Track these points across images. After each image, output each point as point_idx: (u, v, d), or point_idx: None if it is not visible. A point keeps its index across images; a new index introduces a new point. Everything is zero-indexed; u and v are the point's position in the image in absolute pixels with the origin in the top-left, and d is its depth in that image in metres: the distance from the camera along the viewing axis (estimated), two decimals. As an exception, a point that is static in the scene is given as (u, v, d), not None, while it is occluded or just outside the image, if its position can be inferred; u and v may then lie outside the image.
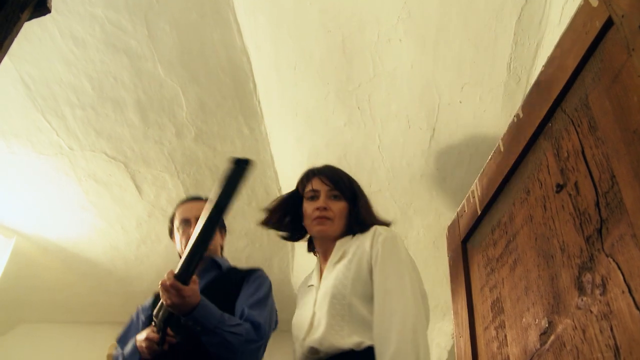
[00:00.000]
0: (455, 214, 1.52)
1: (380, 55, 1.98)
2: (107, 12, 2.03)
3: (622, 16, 0.82)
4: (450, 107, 2.03)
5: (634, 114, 0.76)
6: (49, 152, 2.46)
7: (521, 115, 1.16)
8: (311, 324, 1.38)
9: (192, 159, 2.53)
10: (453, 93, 1.99)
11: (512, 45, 1.80)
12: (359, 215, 1.53)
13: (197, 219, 1.74)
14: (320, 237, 1.56)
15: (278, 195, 2.65)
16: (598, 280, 0.79)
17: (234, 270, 1.79)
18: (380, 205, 2.41)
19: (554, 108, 1.02)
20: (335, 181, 1.56)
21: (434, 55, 1.91)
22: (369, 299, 1.35)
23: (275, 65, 2.16)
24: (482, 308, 1.25)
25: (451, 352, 2.71)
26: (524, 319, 1.02)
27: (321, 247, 1.57)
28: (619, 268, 0.75)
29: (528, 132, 1.10)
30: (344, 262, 1.43)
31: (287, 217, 1.62)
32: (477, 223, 1.35)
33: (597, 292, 0.79)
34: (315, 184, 1.56)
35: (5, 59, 0.81)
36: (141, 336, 1.54)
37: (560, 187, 0.95)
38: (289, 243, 2.87)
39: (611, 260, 0.77)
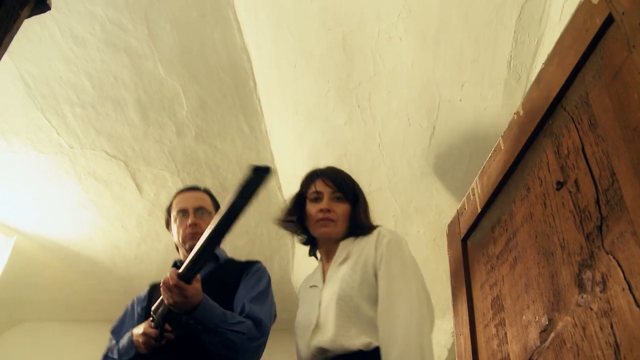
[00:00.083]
0: (456, 211, 1.52)
1: (380, 53, 1.98)
2: (107, 10, 2.03)
3: (623, 13, 0.81)
4: (450, 105, 2.03)
5: (635, 112, 0.76)
6: (49, 150, 2.46)
7: (521, 113, 1.16)
8: (317, 325, 1.39)
9: (192, 158, 2.53)
10: (453, 91, 1.99)
11: (512, 42, 1.80)
12: (357, 219, 1.54)
13: (194, 209, 1.72)
14: (323, 239, 1.57)
15: (278, 193, 2.66)
16: (598, 277, 0.79)
17: (231, 262, 1.76)
18: (380, 204, 2.42)
19: (554, 105, 1.02)
20: (339, 183, 1.57)
21: (434, 53, 1.91)
22: (375, 300, 1.37)
23: (275, 63, 2.16)
24: (483, 306, 1.25)
25: (451, 350, 2.71)
26: (524, 317, 1.02)
27: (324, 248, 1.58)
28: (619, 265, 0.75)
29: (528, 129, 1.10)
30: (349, 263, 1.44)
31: (293, 217, 1.62)
32: (477, 221, 1.36)
33: (597, 289, 0.79)
34: (319, 185, 1.57)
35: (5, 56, 0.81)
36: (138, 330, 1.52)
37: (560, 185, 0.95)
38: (289, 241, 2.87)
39: (611, 257, 0.77)
